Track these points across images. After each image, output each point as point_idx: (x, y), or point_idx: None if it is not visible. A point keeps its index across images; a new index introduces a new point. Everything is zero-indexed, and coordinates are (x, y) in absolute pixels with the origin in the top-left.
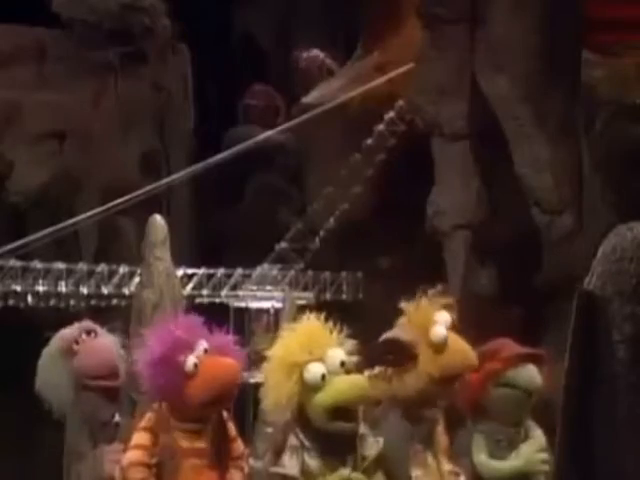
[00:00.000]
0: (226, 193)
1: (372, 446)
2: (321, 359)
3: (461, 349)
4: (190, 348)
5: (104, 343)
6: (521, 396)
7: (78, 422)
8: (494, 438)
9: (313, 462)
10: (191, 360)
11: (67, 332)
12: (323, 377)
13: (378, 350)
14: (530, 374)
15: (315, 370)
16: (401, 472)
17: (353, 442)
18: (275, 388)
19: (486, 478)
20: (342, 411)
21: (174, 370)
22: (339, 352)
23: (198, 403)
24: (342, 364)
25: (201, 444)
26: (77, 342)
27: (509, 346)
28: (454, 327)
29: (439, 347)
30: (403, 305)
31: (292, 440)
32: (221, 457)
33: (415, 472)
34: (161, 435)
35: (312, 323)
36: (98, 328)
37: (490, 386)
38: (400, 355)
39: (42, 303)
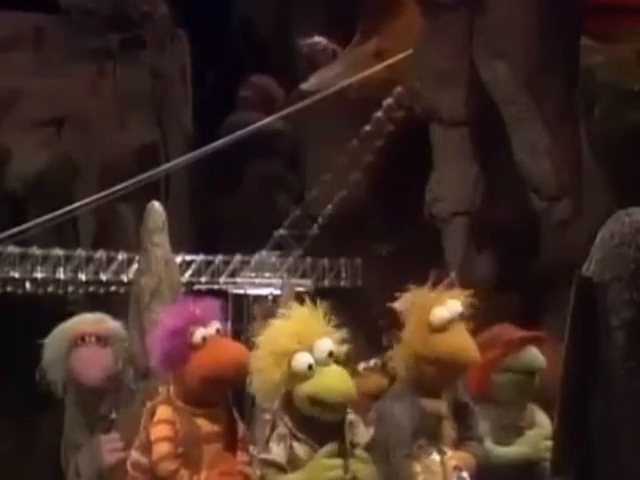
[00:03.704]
0: (224, 180)
1: (363, 434)
2: (309, 348)
3: (462, 341)
4: (203, 324)
5: (101, 353)
6: (524, 379)
7: (76, 415)
8: (499, 424)
9: (301, 449)
10: (200, 333)
11: (82, 320)
12: (310, 367)
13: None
14: (531, 356)
15: (303, 360)
16: (402, 468)
17: (341, 430)
18: (263, 375)
19: (491, 464)
20: (326, 404)
21: (182, 340)
22: (328, 342)
23: (199, 377)
24: (330, 354)
25: (218, 428)
26: (82, 339)
27: (508, 331)
28: (468, 324)
29: (436, 329)
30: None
31: (280, 429)
32: (232, 439)
33: (416, 468)
34: (179, 424)
35: (303, 311)
36: (106, 332)
37: (493, 373)
38: (393, 321)
39: (40, 289)
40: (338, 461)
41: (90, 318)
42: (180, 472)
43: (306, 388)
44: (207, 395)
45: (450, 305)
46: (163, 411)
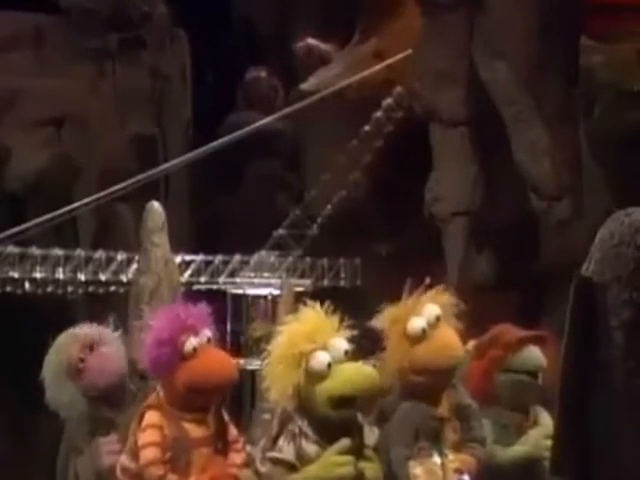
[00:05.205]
0: (224, 180)
1: (369, 435)
2: (325, 347)
3: (442, 345)
4: (195, 333)
5: (108, 354)
6: (526, 379)
7: (81, 421)
8: (501, 423)
9: (310, 448)
10: (191, 343)
11: (69, 350)
12: (329, 365)
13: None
14: (532, 356)
15: (321, 358)
16: (401, 470)
17: (352, 430)
18: (281, 379)
19: (492, 464)
20: (347, 399)
21: (172, 349)
22: (342, 341)
23: (184, 386)
24: (346, 353)
25: (207, 432)
26: (82, 360)
27: (509, 331)
28: (456, 320)
29: (415, 339)
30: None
31: (291, 427)
32: (222, 442)
33: (417, 470)
34: (167, 429)
35: (312, 312)
36: (98, 336)
37: (494, 374)
38: (373, 343)
39: (40, 289)
40: (349, 458)
41: (71, 340)
42: (168, 477)
43: (327, 389)
44: (195, 402)
45: (426, 311)
46: (151, 416)
